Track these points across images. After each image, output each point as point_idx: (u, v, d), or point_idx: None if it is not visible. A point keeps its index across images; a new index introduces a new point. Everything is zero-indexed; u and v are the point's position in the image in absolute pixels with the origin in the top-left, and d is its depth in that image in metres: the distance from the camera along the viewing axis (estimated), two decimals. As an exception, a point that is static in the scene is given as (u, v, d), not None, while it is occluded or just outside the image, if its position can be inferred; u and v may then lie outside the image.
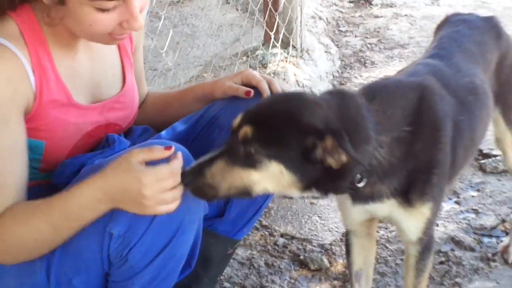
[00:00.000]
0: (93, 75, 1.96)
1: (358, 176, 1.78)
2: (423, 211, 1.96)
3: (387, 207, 1.94)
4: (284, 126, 1.67)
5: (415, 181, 1.91)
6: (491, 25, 2.52)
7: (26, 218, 1.73)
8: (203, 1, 5.28)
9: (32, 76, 1.76)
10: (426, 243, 2.06)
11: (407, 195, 1.92)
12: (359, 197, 1.89)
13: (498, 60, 2.47)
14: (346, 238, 2.22)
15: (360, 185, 1.79)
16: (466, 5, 6.21)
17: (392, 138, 1.84)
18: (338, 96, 1.80)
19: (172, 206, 1.68)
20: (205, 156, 1.70)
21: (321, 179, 1.71)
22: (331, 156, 1.64)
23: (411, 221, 1.99)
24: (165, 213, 1.69)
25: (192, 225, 1.80)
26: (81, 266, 1.80)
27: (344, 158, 1.64)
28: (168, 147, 1.67)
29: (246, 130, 1.66)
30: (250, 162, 1.66)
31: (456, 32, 2.43)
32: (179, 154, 1.68)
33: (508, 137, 2.62)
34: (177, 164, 1.66)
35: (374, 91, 1.90)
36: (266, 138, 1.66)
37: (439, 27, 2.57)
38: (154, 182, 1.63)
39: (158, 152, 1.67)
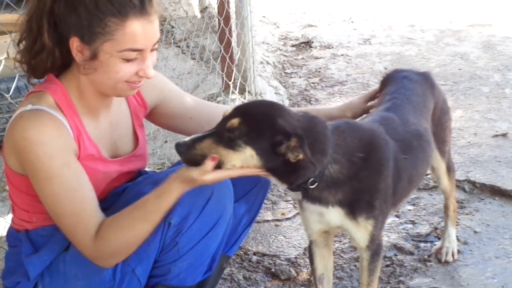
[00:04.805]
0: (112, 135, 2.27)
1: (311, 179, 2.15)
2: (366, 226, 2.29)
3: (337, 216, 2.27)
4: (263, 124, 2.06)
5: (359, 200, 2.26)
6: (426, 79, 2.84)
7: (129, 224, 2.06)
8: (161, 52, 5.34)
9: (72, 134, 2.07)
10: (374, 250, 2.37)
11: (353, 210, 2.26)
12: (308, 196, 2.22)
13: (433, 106, 2.79)
14: (310, 249, 2.53)
15: (311, 187, 2.16)
16: (395, 42, 6.42)
17: (346, 159, 2.20)
18: (311, 117, 2.19)
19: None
20: (198, 134, 2.06)
21: (281, 170, 2.09)
22: (291, 152, 2.03)
23: (358, 232, 2.31)
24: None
25: (224, 224, 2.22)
26: (144, 255, 2.13)
27: (301, 156, 2.02)
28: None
29: (234, 121, 2.04)
30: (231, 145, 2.03)
31: (404, 88, 2.73)
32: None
33: (442, 166, 2.91)
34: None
35: (341, 125, 2.30)
36: (247, 130, 2.03)
37: (386, 81, 2.85)
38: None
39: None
